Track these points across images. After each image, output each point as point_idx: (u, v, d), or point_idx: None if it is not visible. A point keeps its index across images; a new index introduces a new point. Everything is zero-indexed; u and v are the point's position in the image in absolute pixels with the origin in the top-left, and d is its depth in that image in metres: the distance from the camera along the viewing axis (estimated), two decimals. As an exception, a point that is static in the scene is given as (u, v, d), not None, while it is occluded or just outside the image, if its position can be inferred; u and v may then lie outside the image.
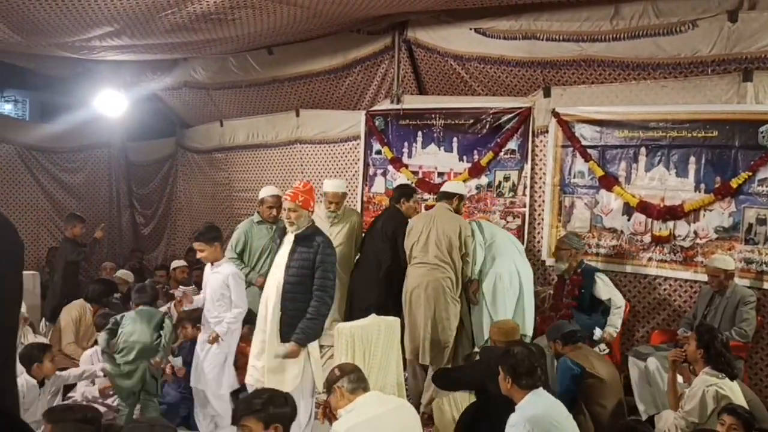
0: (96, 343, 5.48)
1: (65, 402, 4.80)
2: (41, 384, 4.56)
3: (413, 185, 6.67)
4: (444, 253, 5.15)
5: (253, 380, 4.55)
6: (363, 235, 6.17)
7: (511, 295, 5.30)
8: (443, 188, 5.75)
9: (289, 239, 4.62)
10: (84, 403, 4.75)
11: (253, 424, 2.85)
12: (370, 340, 4.46)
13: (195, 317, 5.34)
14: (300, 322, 4.37)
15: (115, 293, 6.45)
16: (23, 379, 4.52)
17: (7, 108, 11.79)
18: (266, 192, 6.04)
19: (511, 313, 5.23)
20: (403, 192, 6.05)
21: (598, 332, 5.31)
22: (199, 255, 5.07)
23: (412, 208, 5.99)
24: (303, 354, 4.42)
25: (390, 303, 5.48)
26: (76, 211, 9.79)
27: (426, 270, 5.21)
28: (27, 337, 5.36)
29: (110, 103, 8.92)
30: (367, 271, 5.85)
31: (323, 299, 4.43)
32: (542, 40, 6.01)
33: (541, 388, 3.36)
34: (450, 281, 5.19)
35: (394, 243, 5.70)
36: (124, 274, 7.49)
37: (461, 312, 5.31)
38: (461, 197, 5.59)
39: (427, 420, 4.81)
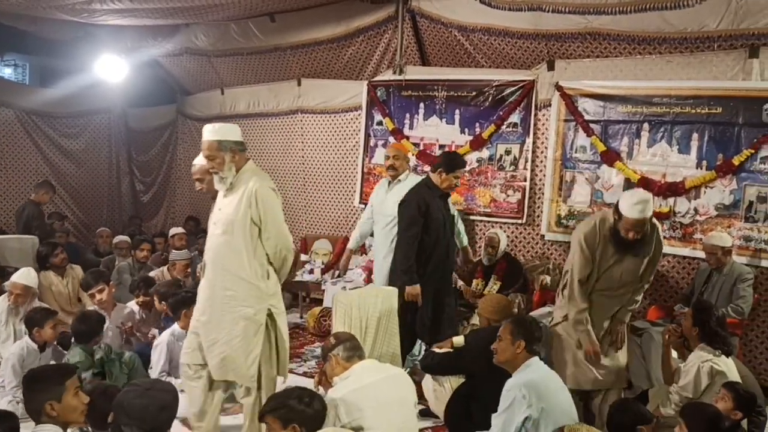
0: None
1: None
2: (42, 349, 4.57)
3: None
4: None
5: None
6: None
7: None
8: None
9: None
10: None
11: (272, 422, 2.84)
12: (367, 309, 4.45)
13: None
14: None
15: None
16: (24, 341, 4.55)
17: (7, 72, 11.69)
18: None
19: None
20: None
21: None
22: None
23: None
24: None
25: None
26: (75, 176, 9.84)
27: None
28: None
29: (111, 69, 8.86)
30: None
31: None
32: (548, 12, 5.92)
33: (537, 358, 3.38)
34: None
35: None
36: (122, 240, 7.50)
37: None
38: None
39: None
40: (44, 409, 2.78)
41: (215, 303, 3.72)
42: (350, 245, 5.86)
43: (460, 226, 5.99)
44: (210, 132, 3.71)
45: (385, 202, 5.43)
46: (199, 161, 4.01)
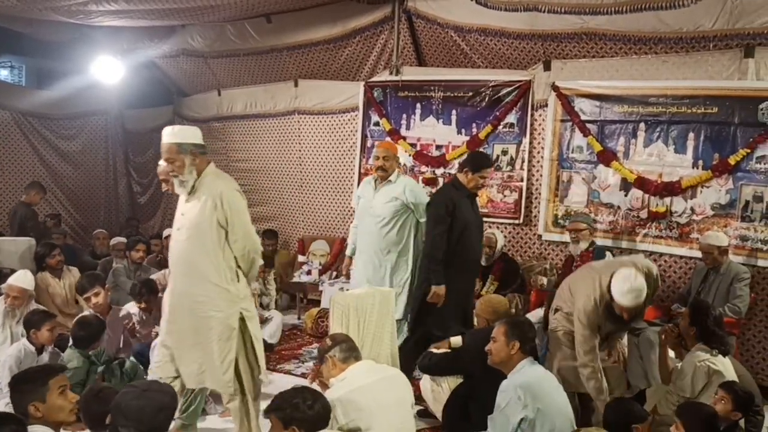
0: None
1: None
2: (40, 351, 4.55)
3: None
4: None
5: None
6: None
7: None
8: None
9: None
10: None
11: (275, 421, 2.85)
12: (365, 310, 4.43)
13: None
14: None
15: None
16: (22, 344, 4.53)
17: (4, 73, 11.72)
18: None
19: None
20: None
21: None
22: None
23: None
24: None
25: None
26: (72, 178, 9.82)
27: None
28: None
29: (107, 70, 8.84)
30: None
31: None
32: (544, 12, 5.94)
33: (532, 358, 3.39)
34: None
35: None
36: (119, 242, 7.49)
37: None
38: None
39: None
40: (29, 410, 2.75)
41: (184, 310, 3.62)
42: (347, 252, 5.74)
43: None
44: (169, 135, 3.61)
45: (373, 203, 5.30)
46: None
